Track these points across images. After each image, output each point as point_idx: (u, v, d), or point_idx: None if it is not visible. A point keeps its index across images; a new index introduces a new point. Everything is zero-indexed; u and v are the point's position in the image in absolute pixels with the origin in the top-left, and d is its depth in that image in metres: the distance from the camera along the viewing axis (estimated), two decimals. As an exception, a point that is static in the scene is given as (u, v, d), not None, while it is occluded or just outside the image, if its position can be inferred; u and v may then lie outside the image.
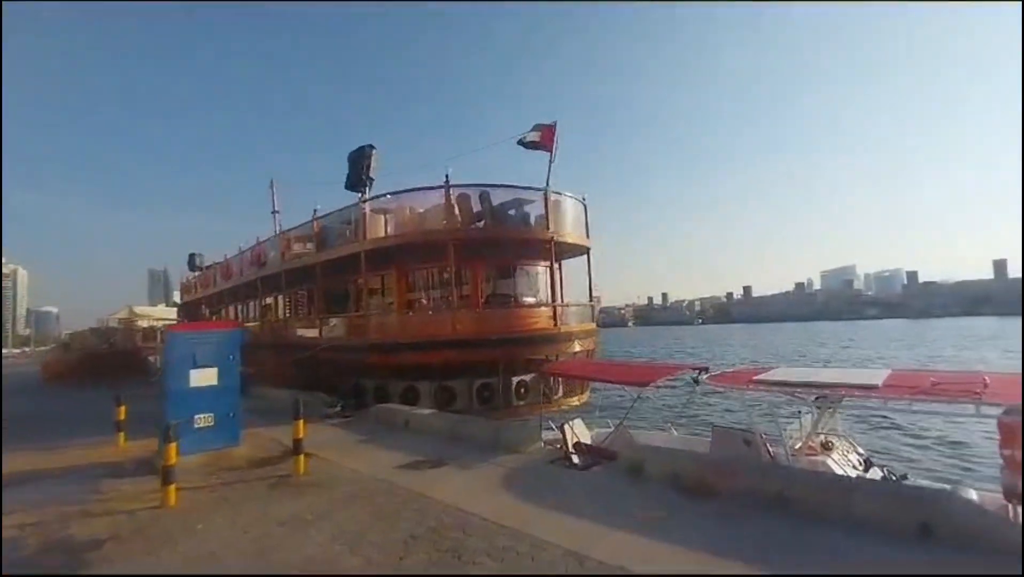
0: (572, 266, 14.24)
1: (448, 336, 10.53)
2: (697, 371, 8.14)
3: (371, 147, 12.30)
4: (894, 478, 5.91)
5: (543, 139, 11.10)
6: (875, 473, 5.89)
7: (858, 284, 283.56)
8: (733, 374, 6.56)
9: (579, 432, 9.13)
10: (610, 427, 9.63)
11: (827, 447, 6.22)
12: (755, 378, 6.02)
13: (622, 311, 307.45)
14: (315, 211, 13.06)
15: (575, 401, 11.90)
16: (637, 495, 4.66)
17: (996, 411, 4.06)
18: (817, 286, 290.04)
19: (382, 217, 11.54)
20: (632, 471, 5.11)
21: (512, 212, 11.71)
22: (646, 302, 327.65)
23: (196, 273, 24.99)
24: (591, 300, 13.62)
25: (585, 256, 13.63)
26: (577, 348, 12.29)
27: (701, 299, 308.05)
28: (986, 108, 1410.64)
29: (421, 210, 11.30)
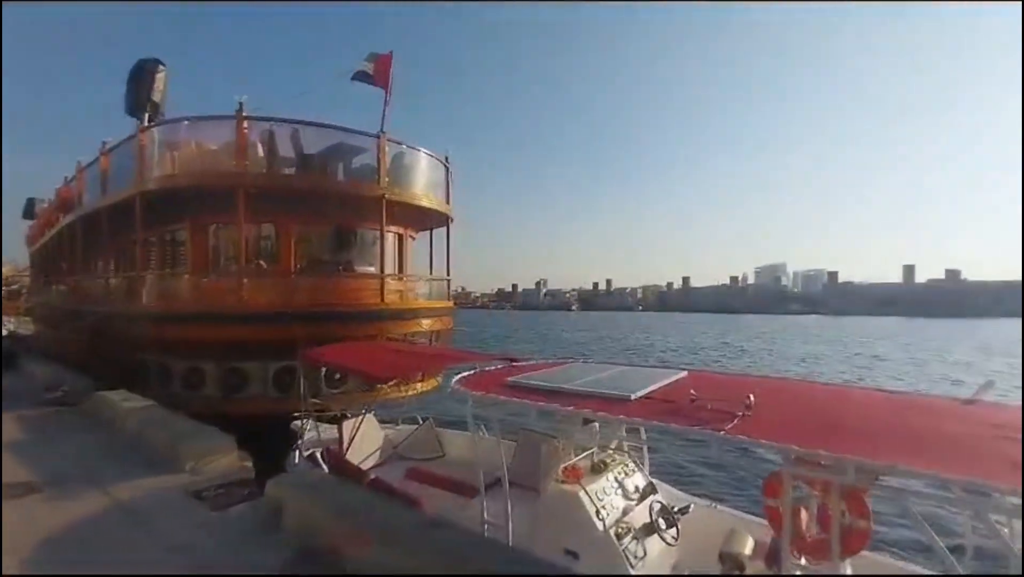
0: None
1: (234, 307, 8.44)
2: (510, 361, 6.59)
3: (157, 62, 9.76)
4: (674, 510, 4.57)
5: (376, 71, 9.03)
6: (646, 505, 4.52)
7: (786, 281, 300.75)
8: (490, 375, 4.99)
9: (367, 433, 7.41)
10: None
11: (598, 468, 4.81)
12: (508, 381, 4.48)
13: (568, 295, 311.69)
14: (104, 143, 10.41)
15: (410, 391, 10.17)
16: (232, 564, 2.96)
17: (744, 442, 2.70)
18: (751, 280, 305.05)
19: (169, 155, 9.13)
20: (269, 518, 3.39)
21: (342, 162, 9.66)
22: (591, 287, 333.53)
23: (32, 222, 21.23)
24: (447, 276, 11.90)
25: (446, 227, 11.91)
26: (424, 327, 10.57)
27: (643, 287, 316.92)
28: (910, 125, 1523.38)
29: (214, 147, 8.99)
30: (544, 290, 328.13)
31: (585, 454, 5.00)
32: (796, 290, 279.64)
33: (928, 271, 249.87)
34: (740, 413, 3.19)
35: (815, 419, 3.22)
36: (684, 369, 4.97)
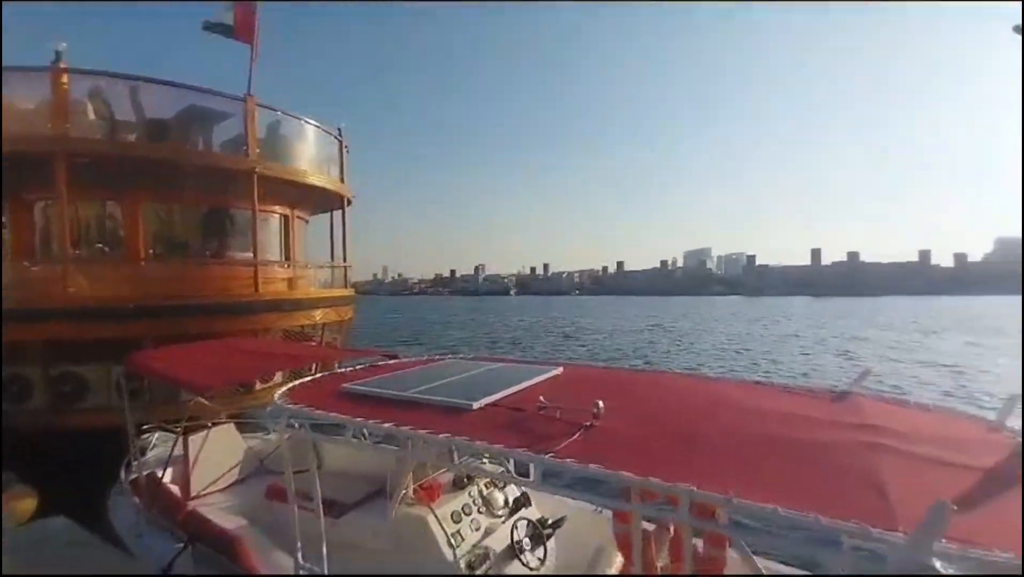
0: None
1: (57, 300, 7.03)
2: (386, 358, 5.83)
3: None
4: (548, 524, 4.04)
5: (238, 23, 7.76)
6: (513, 524, 3.95)
7: (710, 264, 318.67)
8: (333, 379, 4.25)
9: (221, 445, 6.39)
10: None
11: (461, 482, 4.21)
12: (343, 387, 3.74)
13: (506, 279, 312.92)
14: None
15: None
16: None
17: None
18: (680, 264, 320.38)
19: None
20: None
21: (202, 130, 8.30)
22: (529, 272, 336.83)
23: None
24: (345, 262, 10.85)
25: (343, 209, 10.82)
26: (316, 319, 9.52)
27: (579, 271, 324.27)
28: (822, 115, 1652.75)
29: (31, 106, 7.37)
30: (482, 275, 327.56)
31: (454, 465, 4.36)
32: (720, 272, 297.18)
33: (833, 254, 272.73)
34: (587, 423, 2.65)
35: (672, 428, 2.73)
36: (561, 365, 4.43)
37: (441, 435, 2.68)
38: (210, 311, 7.75)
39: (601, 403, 2.70)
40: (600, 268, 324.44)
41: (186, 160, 7.71)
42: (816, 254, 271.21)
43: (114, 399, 7.51)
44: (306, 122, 9.32)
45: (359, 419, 3.11)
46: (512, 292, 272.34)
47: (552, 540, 4.02)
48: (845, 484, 1.98)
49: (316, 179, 9.45)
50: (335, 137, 10.28)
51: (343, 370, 4.72)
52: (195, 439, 6.14)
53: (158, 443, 6.89)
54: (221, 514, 4.80)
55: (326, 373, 4.69)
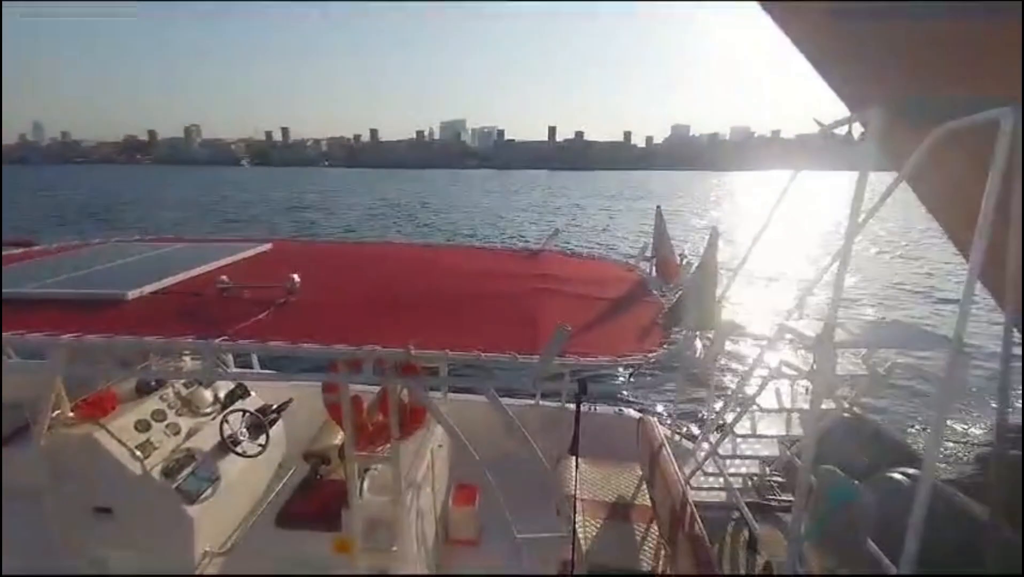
0: None
1: None
2: (18, 246, 4.20)
3: None
4: (272, 409, 3.85)
5: None
6: (227, 419, 3.61)
7: (465, 136, 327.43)
8: None
9: None
10: None
11: (147, 387, 3.57)
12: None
13: (233, 146, 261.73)
14: None
15: None
16: None
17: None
18: (437, 136, 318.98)
19: None
20: None
21: None
22: (264, 137, 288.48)
23: None
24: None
25: None
26: None
27: (328, 139, 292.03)
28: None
29: None
30: (199, 139, 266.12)
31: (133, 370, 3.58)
32: (474, 145, 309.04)
33: (565, 132, 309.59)
34: (280, 300, 2.40)
35: (377, 294, 2.70)
36: (271, 241, 3.90)
37: (66, 336, 2.04)
38: None
39: (297, 277, 2.48)
40: (352, 136, 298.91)
41: None
42: (552, 131, 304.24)
43: None
44: None
45: None
46: (244, 162, 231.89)
47: (279, 424, 3.83)
48: (514, 323, 2.28)
49: None
50: None
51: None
52: None
53: None
54: None
55: None
